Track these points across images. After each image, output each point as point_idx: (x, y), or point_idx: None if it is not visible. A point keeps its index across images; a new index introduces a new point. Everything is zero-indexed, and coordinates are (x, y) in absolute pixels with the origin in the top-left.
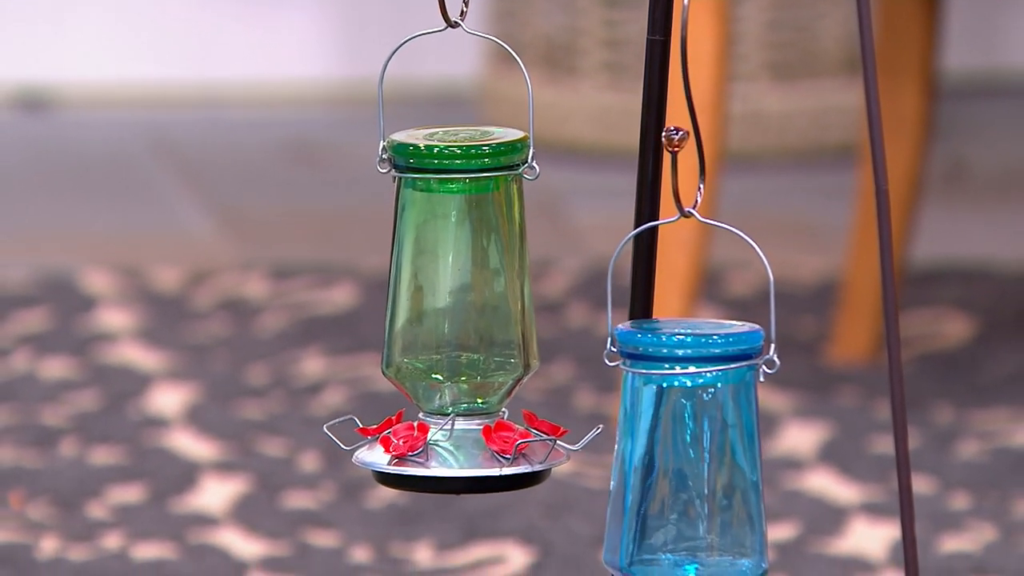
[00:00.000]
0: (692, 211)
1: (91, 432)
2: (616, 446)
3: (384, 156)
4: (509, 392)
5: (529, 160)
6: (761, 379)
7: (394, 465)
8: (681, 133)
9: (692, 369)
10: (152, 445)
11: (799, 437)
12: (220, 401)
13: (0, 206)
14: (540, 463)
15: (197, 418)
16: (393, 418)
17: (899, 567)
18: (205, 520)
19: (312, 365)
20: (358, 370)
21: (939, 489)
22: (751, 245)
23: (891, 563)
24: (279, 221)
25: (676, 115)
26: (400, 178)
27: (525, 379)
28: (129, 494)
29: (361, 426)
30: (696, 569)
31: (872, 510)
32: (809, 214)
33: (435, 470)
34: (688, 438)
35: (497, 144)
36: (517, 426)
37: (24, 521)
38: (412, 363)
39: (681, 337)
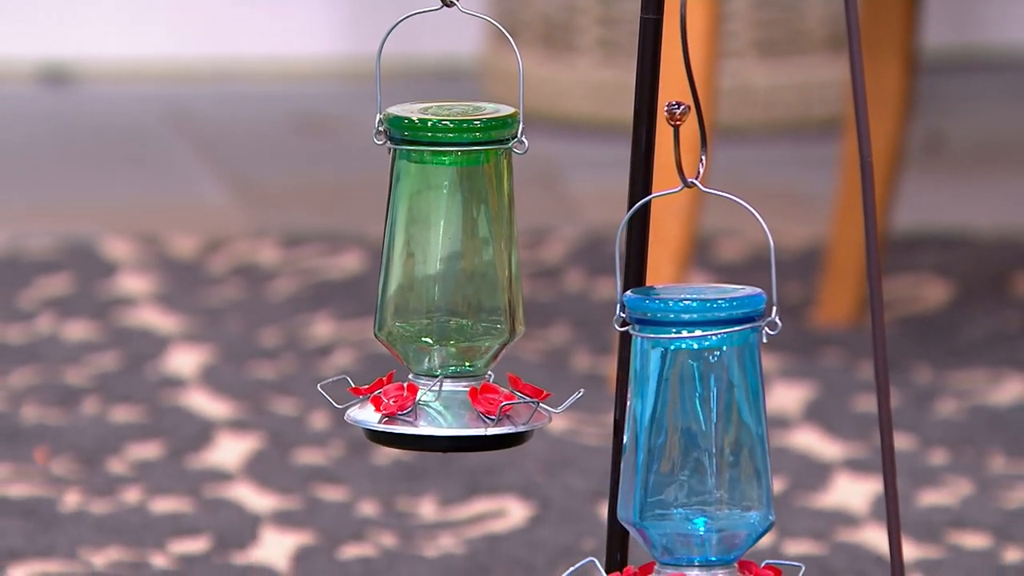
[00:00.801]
0: (695, 181)
1: (112, 391)
2: (627, 406)
3: (380, 128)
4: (495, 356)
5: (519, 135)
6: (764, 340)
7: (384, 423)
8: (683, 107)
9: (698, 332)
10: (169, 404)
11: (786, 397)
12: (234, 362)
13: (25, 177)
14: (523, 424)
15: (212, 378)
16: (384, 379)
17: (881, 520)
18: (220, 476)
19: (321, 328)
20: (365, 333)
21: (918, 446)
22: (752, 213)
23: (873, 516)
24: (290, 191)
25: (668, 90)
26: (395, 150)
27: (511, 344)
28: (148, 451)
29: (353, 386)
30: (705, 523)
31: (855, 466)
32: (795, 184)
33: (423, 429)
34: (696, 398)
35: (488, 119)
36: (502, 389)
37: (48, 476)
38: (403, 327)
39: (687, 302)
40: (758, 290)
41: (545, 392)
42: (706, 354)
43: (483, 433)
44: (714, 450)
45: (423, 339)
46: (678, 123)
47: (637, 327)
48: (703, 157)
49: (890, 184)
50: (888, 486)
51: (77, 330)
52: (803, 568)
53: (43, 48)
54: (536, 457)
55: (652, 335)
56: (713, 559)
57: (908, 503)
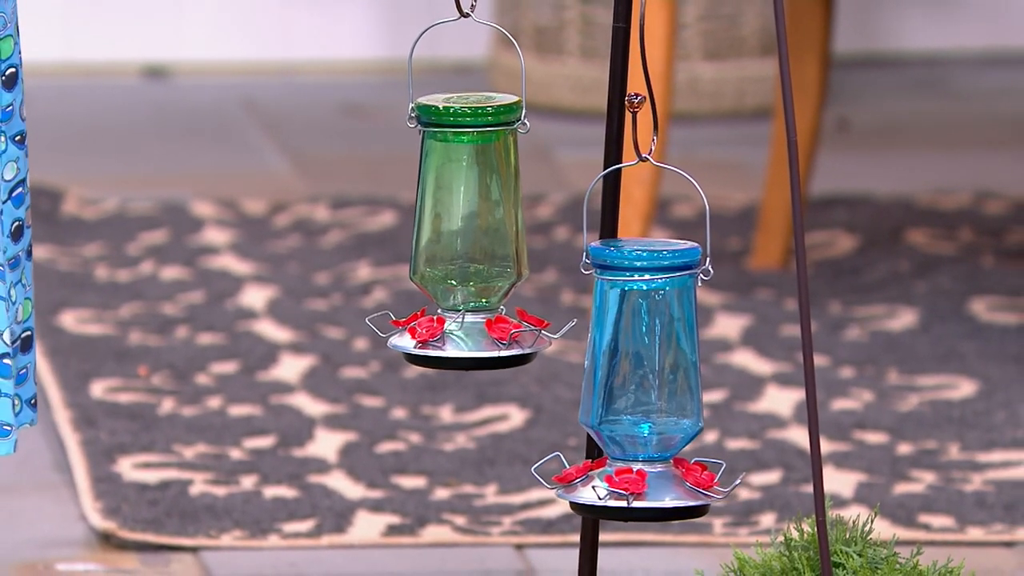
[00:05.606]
0: (648, 156)
1: (199, 321)
2: (589, 334)
3: (412, 115)
4: (506, 294)
5: (522, 118)
6: (699, 284)
7: (418, 348)
8: (640, 98)
9: (647, 276)
10: (243, 331)
11: (727, 325)
12: (294, 298)
13: (131, 152)
14: (529, 347)
15: (277, 311)
16: (418, 313)
17: (802, 422)
18: (283, 388)
19: (362, 272)
20: (397, 276)
21: (831, 364)
22: (691, 182)
23: (795, 419)
24: (339, 163)
25: (635, 84)
26: (424, 131)
27: (518, 284)
28: (227, 368)
29: (394, 318)
30: (649, 427)
31: (782, 379)
32: (735, 157)
33: (449, 352)
34: (644, 328)
35: (498, 106)
36: (512, 319)
37: (149, 387)
38: (432, 271)
39: (638, 252)
40: (696, 244)
41: (546, 322)
42: (653, 294)
43: (498, 355)
44: (657, 370)
45: (449, 281)
46: (636, 110)
47: (598, 271)
48: (654, 137)
49: (809, 158)
50: (808, 395)
51: (172, 272)
52: (724, 465)
53: (146, 51)
54: (532, 373)
55: (610, 278)
56: (654, 456)
57: (822, 409)
